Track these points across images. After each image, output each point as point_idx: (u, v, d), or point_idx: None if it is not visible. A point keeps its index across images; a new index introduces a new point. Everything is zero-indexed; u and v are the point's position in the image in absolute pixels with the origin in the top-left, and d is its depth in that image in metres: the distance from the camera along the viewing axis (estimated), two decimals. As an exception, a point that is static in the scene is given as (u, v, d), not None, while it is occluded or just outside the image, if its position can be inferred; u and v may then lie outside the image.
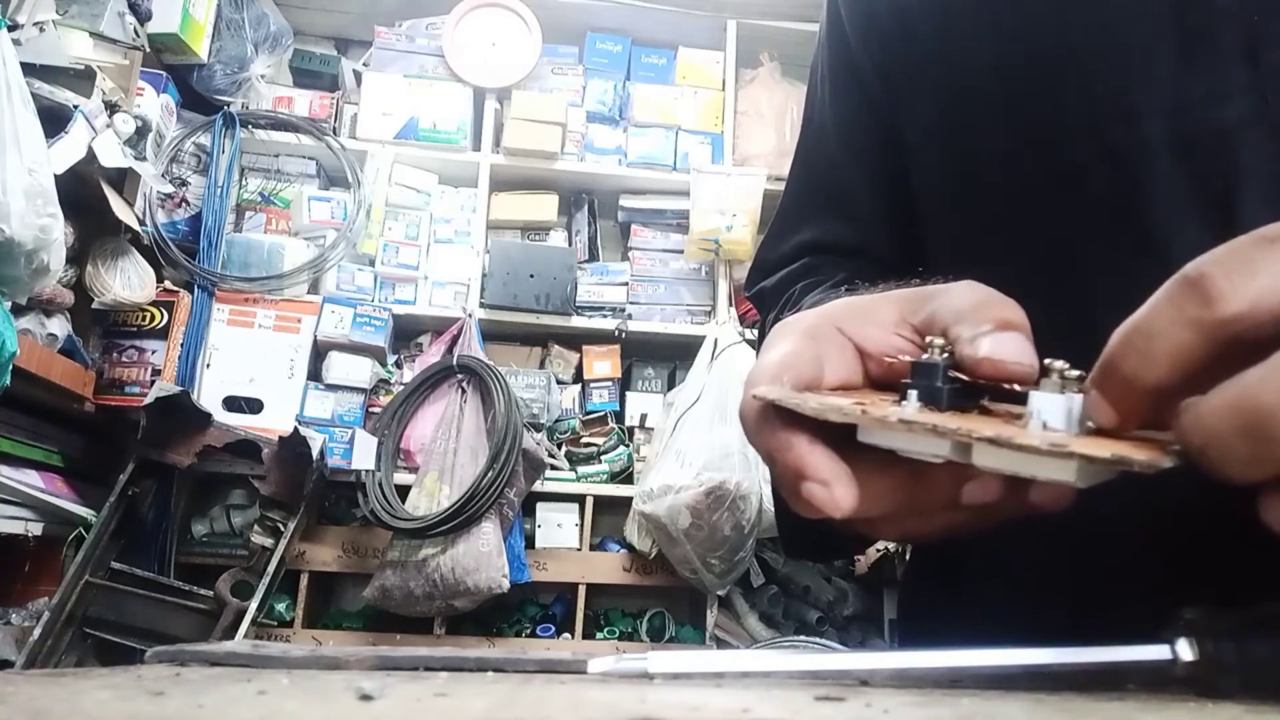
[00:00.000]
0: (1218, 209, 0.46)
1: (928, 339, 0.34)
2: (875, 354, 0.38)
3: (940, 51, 0.56)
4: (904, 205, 0.60)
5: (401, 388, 2.56)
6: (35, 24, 1.88)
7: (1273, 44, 0.45)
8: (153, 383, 2.26)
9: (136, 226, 2.27)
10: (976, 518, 0.36)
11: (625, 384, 2.77)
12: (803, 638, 2.47)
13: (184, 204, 2.57)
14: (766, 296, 0.67)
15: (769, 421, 0.34)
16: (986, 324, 0.33)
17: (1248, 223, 0.45)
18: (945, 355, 0.34)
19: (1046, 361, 0.32)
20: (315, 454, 2.24)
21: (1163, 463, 0.28)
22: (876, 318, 0.39)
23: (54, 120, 1.84)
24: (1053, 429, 0.30)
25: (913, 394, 0.33)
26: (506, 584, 2.27)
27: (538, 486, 2.49)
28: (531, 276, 2.66)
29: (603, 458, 2.62)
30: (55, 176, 1.72)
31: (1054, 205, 0.51)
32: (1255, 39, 0.45)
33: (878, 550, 2.48)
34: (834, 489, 0.32)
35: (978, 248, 0.56)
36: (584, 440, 2.66)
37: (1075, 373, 0.31)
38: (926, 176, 0.59)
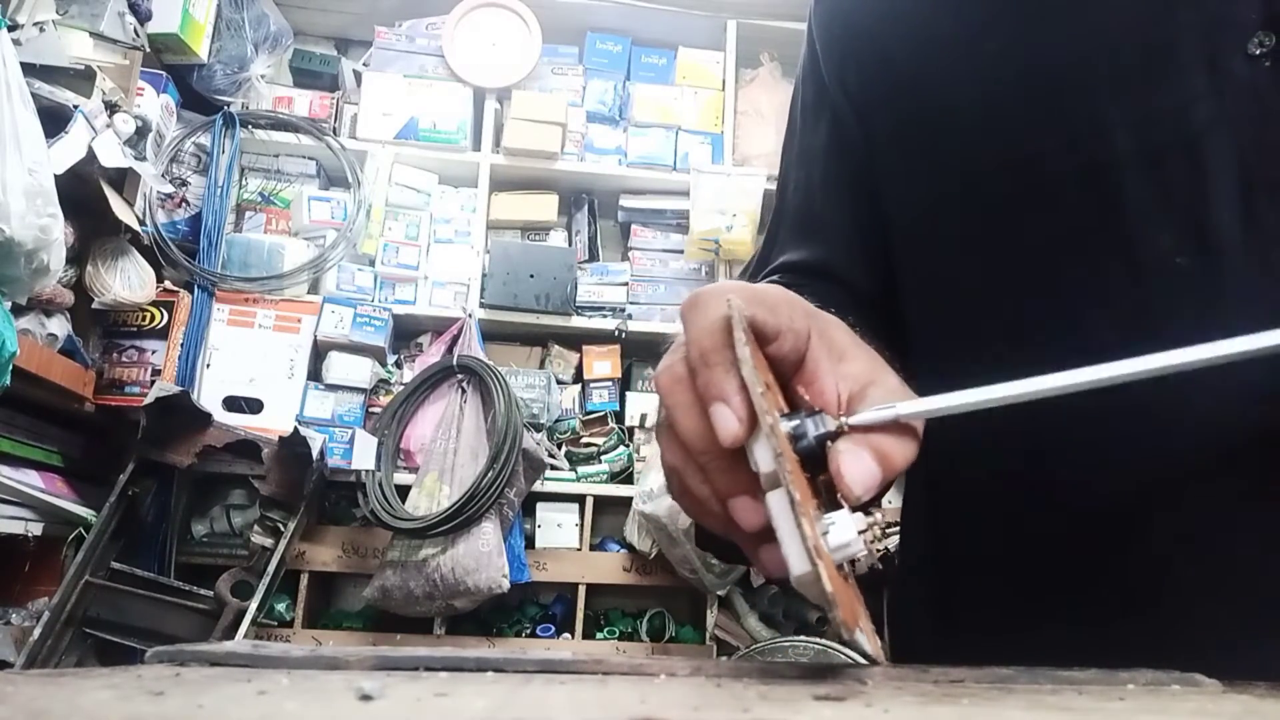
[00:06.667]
0: (1188, 216, 0.47)
1: (840, 415, 0.39)
2: (808, 382, 0.40)
3: (918, 80, 0.58)
4: (877, 231, 0.62)
5: (401, 388, 2.56)
6: (35, 24, 1.88)
7: (1230, 50, 0.46)
8: (153, 383, 2.26)
9: (136, 226, 2.27)
10: (727, 525, 0.39)
11: (625, 384, 2.77)
12: (803, 638, 2.47)
13: (184, 204, 2.57)
14: None
15: (725, 332, 0.37)
16: (866, 447, 0.38)
17: (1217, 229, 0.45)
18: (836, 425, 0.38)
19: (878, 506, 0.36)
20: (315, 454, 2.24)
21: (859, 644, 0.33)
22: (842, 363, 0.41)
23: (54, 120, 1.84)
24: (830, 541, 0.35)
25: (791, 423, 0.37)
26: (506, 584, 2.27)
27: (538, 486, 2.49)
28: (531, 276, 2.66)
29: (603, 458, 2.62)
30: (55, 176, 1.72)
31: (1030, 221, 0.53)
32: (1215, 49, 0.46)
33: (878, 550, 2.48)
34: (740, 424, 0.35)
35: (952, 266, 0.57)
36: (584, 440, 2.66)
37: (883, 522, 0.36)
38: (902, 201, 0.60)
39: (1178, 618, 0.47)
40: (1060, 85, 0.51)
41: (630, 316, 2.73)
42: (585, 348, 2.74)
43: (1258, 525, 0.46)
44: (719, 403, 0.36)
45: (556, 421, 2.65)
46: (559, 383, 2.68)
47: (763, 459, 0.35)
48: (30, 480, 2.01)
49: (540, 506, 2.56)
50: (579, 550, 2.53)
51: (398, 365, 2.67)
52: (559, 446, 2.63)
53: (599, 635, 2.50)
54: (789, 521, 0.33)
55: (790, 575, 0.33)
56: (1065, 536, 0.52)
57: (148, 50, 2.31)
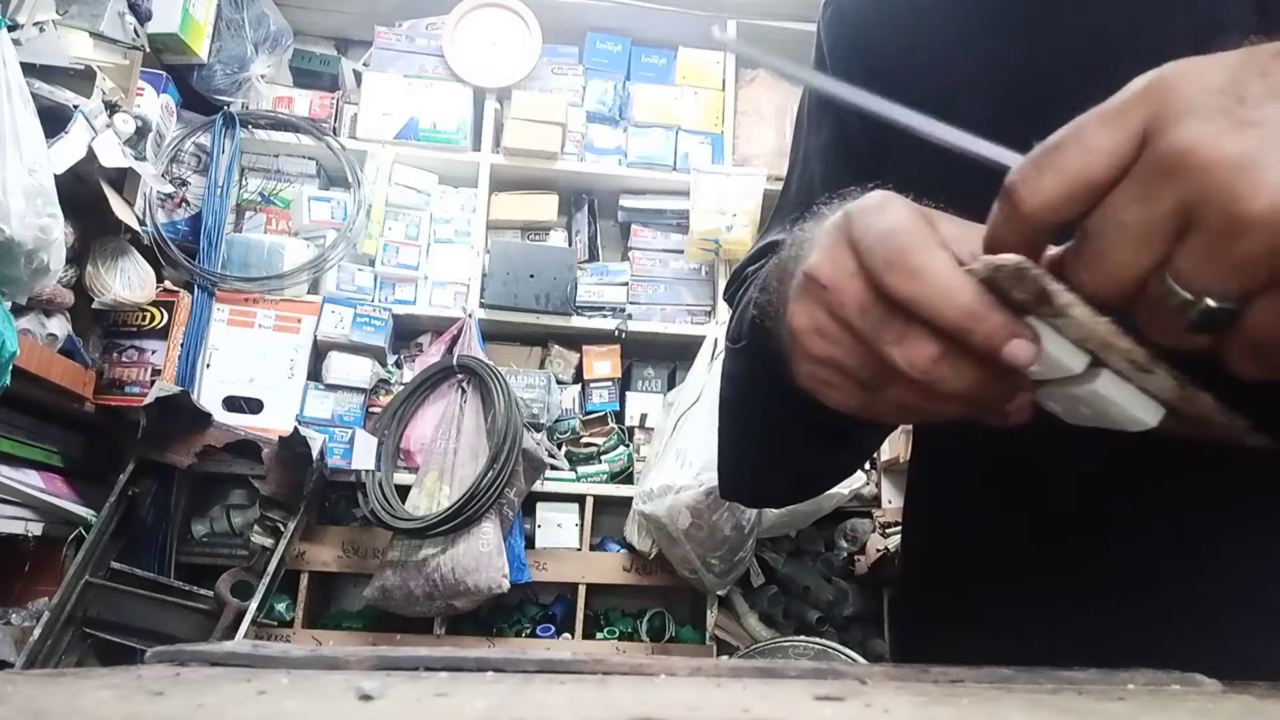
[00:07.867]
0: None
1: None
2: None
3: (917, 81, 0.59)
4: None
5: (401, 388, 2.56)
6: (35, 24, 1.88)
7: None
8: (153, 383, 2.26)
9: (136, 226, 2.27)
10: (956, 405, 0.41)
11: (625, 384, 2.77)
12: (803, 638, 2.47)
13: (184, 204, 2.57)
14: (734, 294, 0.70)
15: (982, 288, 0.37)
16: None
17: None
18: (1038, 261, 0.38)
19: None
20: (315, 454, 2.24)
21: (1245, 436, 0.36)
22: (944, 226, 0.42)
23: (54, 120, 1.84)
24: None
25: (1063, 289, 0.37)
26: (506, 584, 2.27)
27: (538, 486, 2.49)
28: (531, 276, 2.66)
29: (603, 458, 2.62)
30: (55, 176, 1.72)
31: None
32: (1208, 51, 0.46)
33: (878, 550, 2.48)
34: (1034, 344, 0.37)
35: None
36: (584, 440, 2.66)
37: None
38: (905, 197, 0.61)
39: (1169, 606, 0.48)
40: (1053, 86, 0.51)
41: (630, 316, 2.73)
42: (585, 348, 2.74)
43: (1248, 515, 0.46)
44: (1015, 340, 0.37)
45: (556, 421, 2.65)
46: (559, 383, 2.68)
47: (1071, 358, 0.36)
48: (30, 480, 2.01)
49: (540, 506, 2.56)
50: (579, 550, 2.53)
51: (398, 365, 2.67)
52: (559, 446, 2.63)
53: (599, 635, 2.50)
54: (1126, 384, 0.36)
55: (1148, 427, 0.37)
56: (1061, 530, 0.53)
57: (148, 50, 2.31)
